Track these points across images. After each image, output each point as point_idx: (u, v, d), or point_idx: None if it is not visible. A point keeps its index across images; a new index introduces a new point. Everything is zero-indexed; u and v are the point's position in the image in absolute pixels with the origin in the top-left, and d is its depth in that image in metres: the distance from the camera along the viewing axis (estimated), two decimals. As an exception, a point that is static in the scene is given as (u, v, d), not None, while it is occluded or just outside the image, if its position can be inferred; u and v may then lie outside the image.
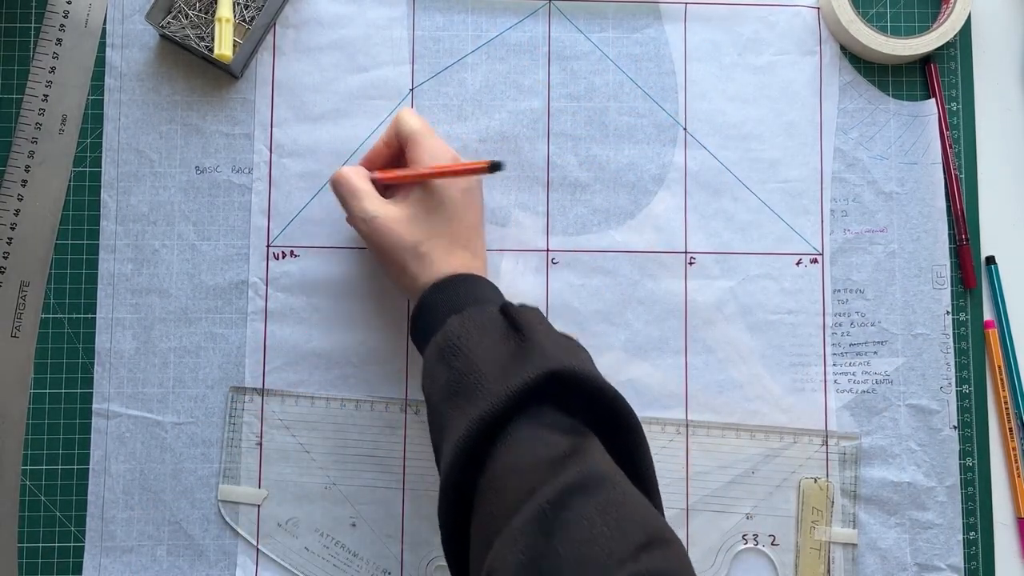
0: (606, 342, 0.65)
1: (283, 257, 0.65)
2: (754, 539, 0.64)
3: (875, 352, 0.66)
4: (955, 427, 0.65)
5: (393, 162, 0.61)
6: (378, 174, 0.59)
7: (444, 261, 0.56)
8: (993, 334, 0.66)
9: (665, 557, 0.40)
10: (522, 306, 0.53)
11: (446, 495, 0.47)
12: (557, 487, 0.42)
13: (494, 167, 0.55)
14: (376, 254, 0.59)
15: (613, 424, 0.49)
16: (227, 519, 0.63)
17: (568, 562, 0.40)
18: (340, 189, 0.58)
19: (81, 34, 0.65)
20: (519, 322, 0.51)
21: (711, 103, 0.67)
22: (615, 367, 0.65)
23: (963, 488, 0.65)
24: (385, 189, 0.59)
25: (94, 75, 0.65)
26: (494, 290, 0.56)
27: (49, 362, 0.64)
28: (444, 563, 0.63)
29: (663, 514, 0.48)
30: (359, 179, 0.58)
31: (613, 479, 0.44)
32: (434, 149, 0.58)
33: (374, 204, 0.57)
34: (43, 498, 0.63)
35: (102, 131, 0.65)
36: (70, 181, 0.65)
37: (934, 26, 0.67)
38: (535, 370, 0.47)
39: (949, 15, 0.66)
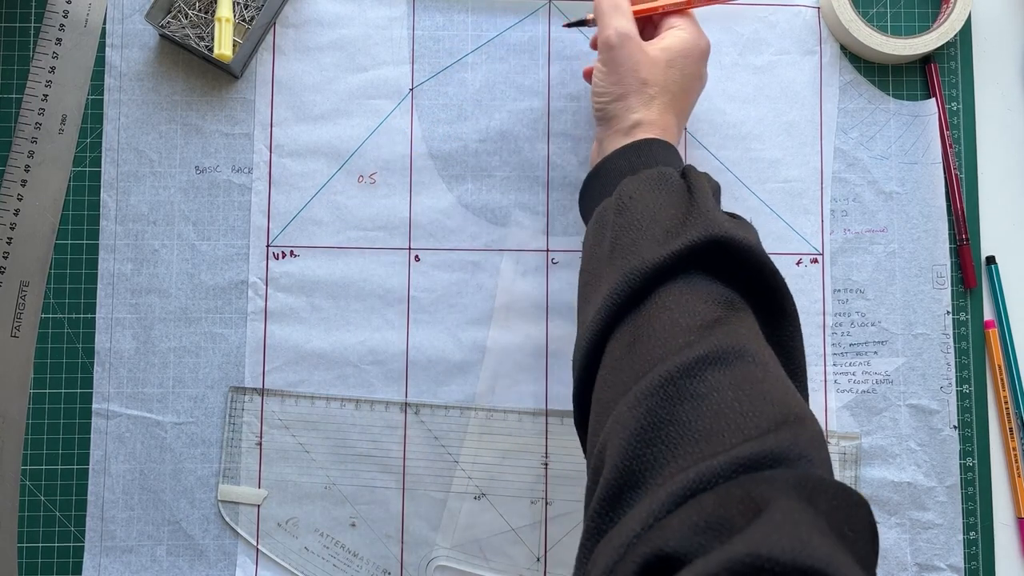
0: (606, 342, 0.65)
1: (283, 257, 0.65)
2: (754, 539, 0.64)
3: (875, 352, 0.66)
4: (955, 427, 0.65)
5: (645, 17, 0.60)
6: (644, 4, 0.58)
7: (660, 112, 0.54)
8: (993, 334, 0.66)
9: (794, 437, 0.36)
10: (706, 175, 0.51)
11: (586, 348, 0.45)
12: (691, 355, 0.40)
13: None
14: (606, 73, 0.56)
15: (773, 305, 0.46)
16: (227, 519, 0.63)
17: (690, 432, 0.37)
18: (605, 1, 0.56)
19: (81, 34, 0.65)
20: (694, 186, 0.48)
21: (711, 103, 0.67)
22: (615, 367, 0.65)
23: (963, 488, 0.65)
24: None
25: (94, 75, 0.65)
26: (679, 158, 0.54)
27: (49, 362, 0.64)
28: (444, 563, 0.63)
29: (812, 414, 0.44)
30: None
31: (756, 355, 0.41)
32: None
33: (631, 26, 0.55)
34: (43, 498, 0.63)
35: (102, 131, 0.65)
36: (70, 181, 0.65)
37: (934, 26, 0.67)
38: (698, 233, 0.44)
39: (949, 15, 0.66)
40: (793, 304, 0.46)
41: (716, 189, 0.51)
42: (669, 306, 0.43)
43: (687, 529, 0.32)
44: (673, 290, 0.44)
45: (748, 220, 0.50)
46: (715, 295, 0.44)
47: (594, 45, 0.62)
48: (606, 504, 0.38)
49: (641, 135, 0.54)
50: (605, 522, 0.37)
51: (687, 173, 0.50)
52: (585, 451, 0.46)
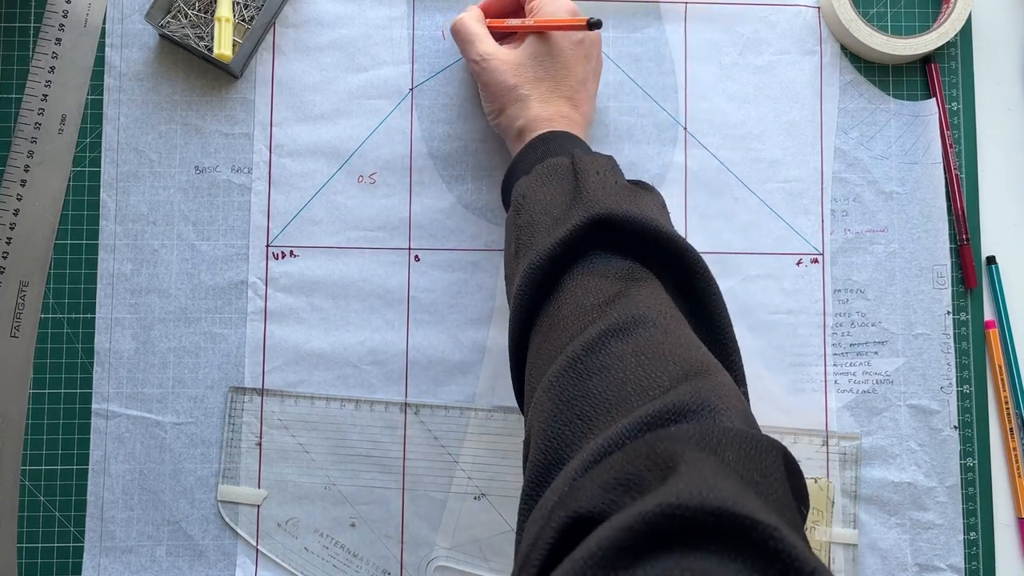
0: (606, 342, 0.65)
1: (283, 257, 0.65)
2: (754, 539, 0.64)
3: (875, 352, 0.65)
4: (955, 427, 0.65)
5: (512, 10, 0.63)
6: (489, 22, 0.61)
7: (541, 107, 0.56)
8: (994, 334, 0.66)
9: (696, 390, 0.37)
10: (595, 155, 0.52)
11: (511, 349, 0.48)
12: (594, 331, 0.41)
13: (593, 24, 0.56)
14: (484, 95, 0.60)
15: (677, 268, 0.47)
16: (227, 519, 0.63)
17: (599, 404, 0.38)
18: (458, 35, 0.60)
19: (80, 34, 0.65)
20: (579, 169, 0.49)
21: (711, 103, 0.67)
22: (615, 367, 0.64)
23: (963, 488, 0.65)
24: (501, 38, 0.61)
25: (93, 75, 0.65)
26: (577, 143, 0.55)
27: (48, 362, 0.64)
28: (444, 563, 0.63)
29: (739, 365, 0.46)
30: (475, 24, 0.60)
31: (655, 319, 0.42)
32: (555, 1, 0.58)
33: (488, 47, 0.59)
34: (43, 498, 0.63)
35: (101, 131, 0.65)
36: (69, 181, 0.65)
37: (934, 26, 0.67)
38: (581, 216, 0.46)
39: (949, 15, 0.66)
40: (700, 262, 0.47)
41: (610, 165, 0.52)
42: (573, 290, 0.45)
43: (598, 488, 0.32)
44: (575, 274, 0.46)
45: (649, 186, 0.52)
46: (614, 270, 0.46)
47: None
48: (533, 486, 0.39)
49: (529, 135, 0.56)
50: (532, 503, 0.38)
51: (574, 157, 0.51)
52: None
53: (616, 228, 0.46)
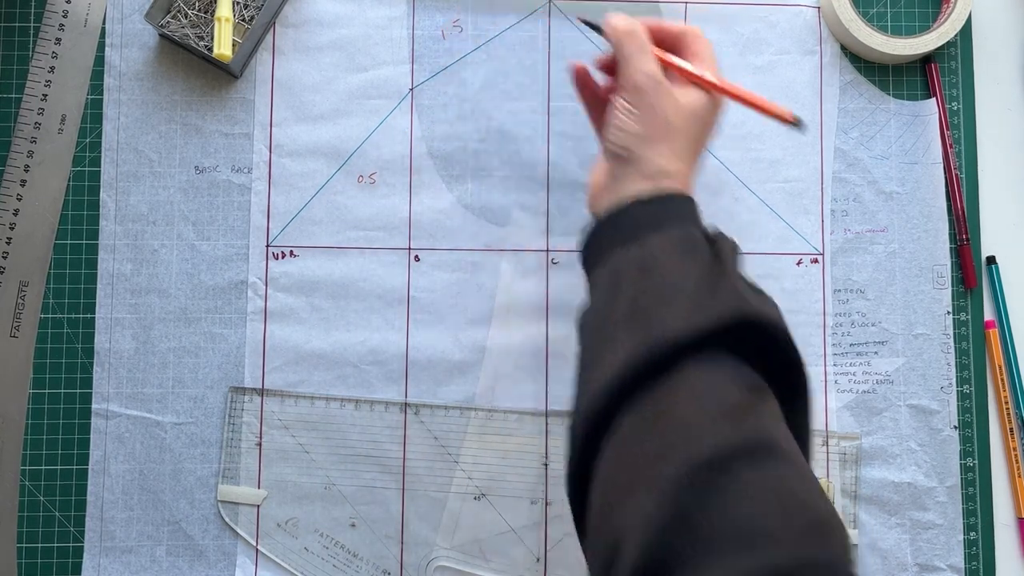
0: (606, 342, 0.65)
1: (283, 257, 0.65)
2: (754, 539, 0.64)
3: (875, 352, 0.65)
4: (955, 427, 0.65)
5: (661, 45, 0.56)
6: (666, 54, 0.54)
7: (683, 164, 0.51)
8: (994, 334, 0.66)
9: (826, 543, 0.36)
10: (719, 234, 0.49)
11: (595, 414, 0.42)
12: (723, 446, 0.38)
13: (796, 123, 0.53)
14: (638, 118, 0.52)
15: (789, 385, 0.44)
16: (227, 519, 0.63)
17: (721, 530, 0.36)
18: (632, 40, 0.52)
19: (80, 34, 0.65)
20: (722, 255, 0.46)
21: (711, 103, 0.67)
22: (615, 367, 0.64)
23: (964, 488, 0.65)
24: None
25: (93, 75, 0.65)
26: (700, 216, 0.51)
27: (49, 362, 0.64)
28: (444, 563, 0.63)
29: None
30: (648, 39, 0.53)
31: (787, 451, 0.40)
32: (710, 55, 0.54)
33: (659, 69, 0.52)
34: (43, 498, 0.63)
35: (101, 131, 0.65)
36: (69, 181, 0.65)
37: (934, 26, 0.67)
38: (728, 311, 0.42)
39: (949, 15, 0.66)
40: (808, 383, 0.45)
41: (735, 250, 0.49)
42: (695, 385, 0.41)
43: None
44: (700, 369, 0.42)
45: (765, 293, 0.48)
46: (742, 378, 0.42)
47: (604, 68, 0.58)
48: None
49: (667, 185, 0.50)
50: None
51: (713, 239, 0.48)
52: (581, 527, 0.44)
53: (755, 332, 0.43)
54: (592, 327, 0.48)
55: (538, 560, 0.63)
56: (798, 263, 0.66)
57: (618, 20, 0.53)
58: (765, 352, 0.43)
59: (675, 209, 0.49)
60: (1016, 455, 0.66)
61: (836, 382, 0.65)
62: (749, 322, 0.42)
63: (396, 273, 0.65)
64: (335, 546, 0.63)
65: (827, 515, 0.38)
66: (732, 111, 0.67)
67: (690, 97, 0.52)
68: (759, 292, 0.47)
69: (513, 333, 0.65)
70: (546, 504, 0.64)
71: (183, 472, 0.63)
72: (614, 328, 0.45)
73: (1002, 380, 0.66)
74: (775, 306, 0.46)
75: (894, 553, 0.64)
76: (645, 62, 0.52)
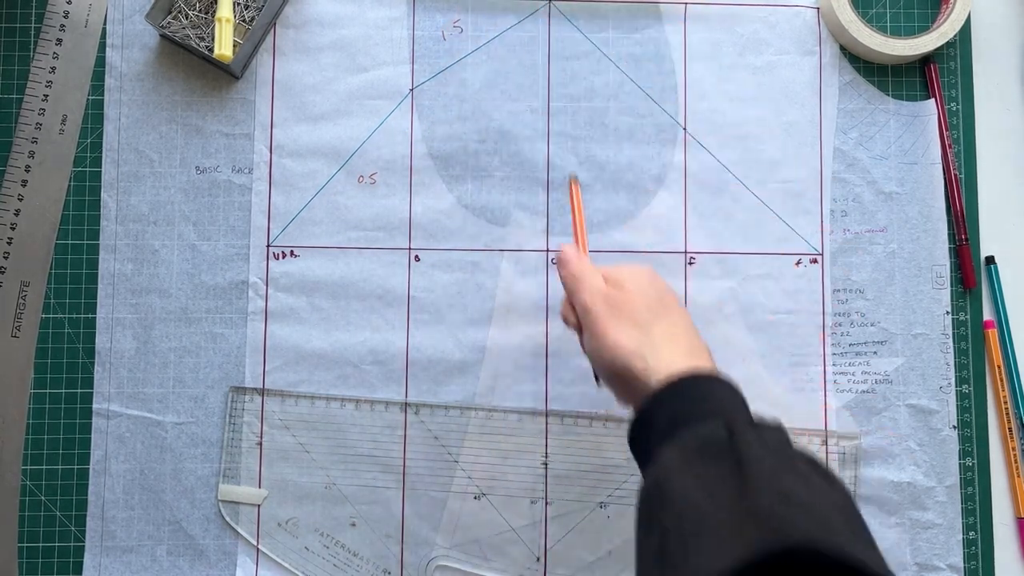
0: (606, 342, 0.65)
1: (283, 257, 0.65)
2: (754, 539, 0.64)
3: (875, 352, 0.66)
4: (955, 427, 0.65)
5: None
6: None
7: (650, 343, 0.48)
8: (993, 334, 0.66)
9: None
10: (755, 424, 0.42)
11: None
12: None
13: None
14: (589, 334, 0.52)
15: None
16: (227, 519, 0.63)
17: None
18: (568, 280, 0.54)
19: (81, 34, 0.65)
20: (744, 456, 0.39)
21: (711, 103, 0.67)
22: (615, 367, 0.65)
23: (963, 488, 0.65)
24: None
25: (94, 75, 0.65)
26: (726, 390, 0.46)
27: (49, 362, 0.64)
28: (444, 563, 0.63)
29: None
30: (581, 258, 0.54)
31: None
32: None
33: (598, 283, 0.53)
34: (43, 498, 0.63)
35: (102, 131, 0.65)
36: (70, 181, 0.65)
37: (934, 26, 0.67)
38: (756, 545, 0.35)
39: (949, 15, 0.66)
40: None
41: (778, 434, 0.42)
42: None
43: None
44: None
45: (837, 478, 0.41)
46: None
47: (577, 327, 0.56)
48: None
49: (658, 377, 0.46)
50: None
51: (735, 434, 0.41)
52: None
53: (804, 563, 0.35)
54: (638, 552, 0.42)
55: (538, 560, 0.63)
56: (797, 263, 0.66)
57: (563, 259, 0.54)
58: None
59: (685, 402, 0.44)
60: (1015, 455, 0.66)
61: (835, 382, 0.65)
62: (788, 553, 0.35)
63: (396, 273, 0.65)
64: (335, 545, 0.63)
65: None
66: (731, 112, 0.67)
67: (617, 275, 0.52)
68: (822, 483, 0.39)
69: (513, 333, 0.65)
70: (546, 504, 0.64)
71: (184, 472, 0.63)
72: (651, 567, 0.40)
73: (1001, 380, 0.66)
74: (840, 516, 0.38)
75: (893, 553, 0.64)
76: (582, 290, 0.52)
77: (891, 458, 0.65)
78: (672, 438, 0.42)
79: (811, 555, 0.35)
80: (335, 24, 0.66)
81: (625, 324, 0.49)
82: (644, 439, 0.46)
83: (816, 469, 0.40)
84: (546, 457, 0.64)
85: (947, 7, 0.66)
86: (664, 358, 0.47)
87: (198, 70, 0.66)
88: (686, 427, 0.42)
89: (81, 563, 0.63)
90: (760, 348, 0.65)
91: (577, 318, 0.53)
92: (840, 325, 0.66)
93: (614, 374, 0.49)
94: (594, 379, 0.56)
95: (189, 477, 0.63)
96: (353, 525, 0.63)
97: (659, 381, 0.46)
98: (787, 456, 0.40)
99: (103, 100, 0.65)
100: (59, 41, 0.65)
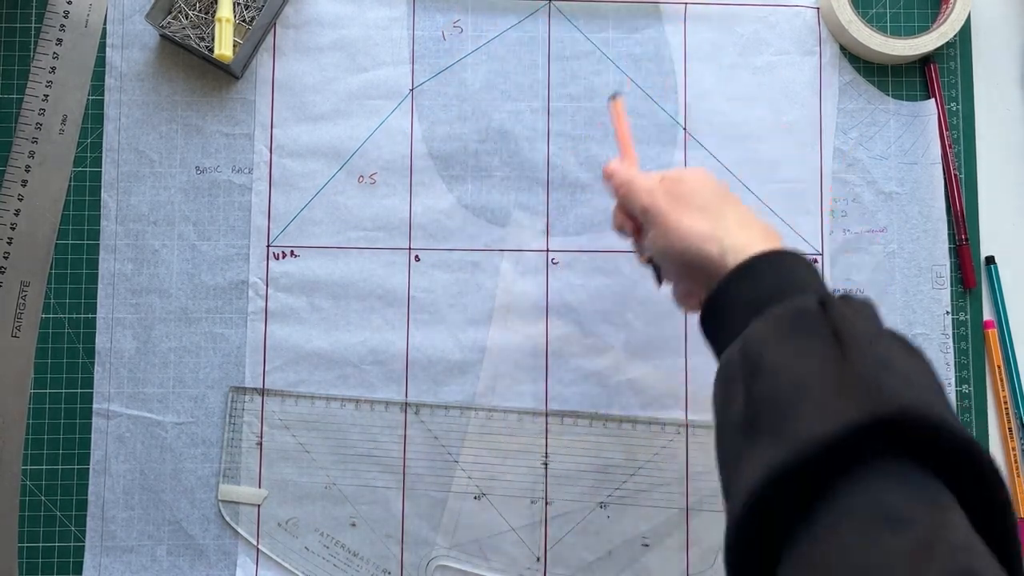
0: (606, 342, 0.65)
1: (283, 257, 0.65)
2: (754, 539, 0.64)
3: (875, 352, 0.66)
4: (955, 427, 0.65)
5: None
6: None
7: (733, 228, 0.47)
8: (993, 334, 0.66)
9: None
10: (844, 298, 0.42)
11: (731, 553, 0.37)
12: None
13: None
14: (654, 233, 0.51)
15: (976, 489, 0.35)
16: (227, 519, 0.63)
17: None
18: (619, 186, 0.54)
19: (81, 34, 0.65)
20: (841, 330, 0.38)
21: (711, 103, 0.67)
22: (615, 367, 0.65)
23: (963, 488, 0.65)
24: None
25: (94, 75, 0.65)
26: (808, 269, 0.44)
27: (49, 362, 0.64)
28: (444, 563, 0.63)
29: None
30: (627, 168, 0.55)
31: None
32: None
33: (647, 188, 0.52)
34: (43, 498, 0.63)
35: (102, 131, 0.65)
36: (70, 181, 0.65)
37: (934, 26, 0.67)
38: (862, 411, 0.34)
39: (949, 15, 0.66)
40: (1006, 487, 0.36)
41: (861, 312, 0.41)
42: (859, 513, 0.33)
43: None
44: (858, 487, 0.34)
45: (920, 352, 0.40)
46: (915, 491, 0.34)
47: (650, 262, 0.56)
48: None
49: (744, 252, 0.45)
50: None
51: (828, 306, 0.40)
52: None
53: (908, 430, 0.35)
54: (721, 440, 0.42)
55: (538, 559, 0.63)
56: (798, 263, 0.66)
57: (608, 172, 0.55)
58: (938, 448, 0.35)
59: (770, 277, 0.44)
60: (1015, 455, 0.66)
61: (835, 382, 0.65)
62: (892, 420, 0.35)
63: (396, 273, 0.65)
64: (335, 545, 0.63)
65: None
66: (731, 112, 0.67)
67: (675, 174, 0.52)
68: (911, 359, 0.39)
69: (513, 333, 0.65)
70: (546, 503, 0.64)
71: (184, 472, 0.63)
72: (735, 441, 0.39)
73: (1001, 380, 0.66)
74: (927, 381, 0.39)
75: (893, 553, 0.64)
76: (633, 200, 0.52)
77: (891, 458, 0.65)
78: (761, 312, 0.42)
79: (914, 420, 0.35)
80: (335, 24, 0.66)
81: (694, 212, 0.49)
82: (722, 316, 0.45)
83: (904, 342, 0.40)
84: (546, 457, 0.64)
85: (947, 7, 0.66)
86: (741, 240, 0.46)
87: (198, 70, 0.66)
88: (775, 301, 0.42)
89: (81, 563, 0.63)
90: (760, 348, 0.65)
91: (634, 223, 0.53)
92: (840, 325, 0.66)
93: (685, 264, 0.48)
94: (655, 280, 0.55)
95: (189, 477, 0.63)
96: (353, 525, 0.63)
97: (737, 261, 0.45)
98: (880, 328, 0.41)
99: (103, 100, 0.65)
100: (59, 41, 0.65)
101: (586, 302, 0.65)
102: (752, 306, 0.43)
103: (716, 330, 0.46)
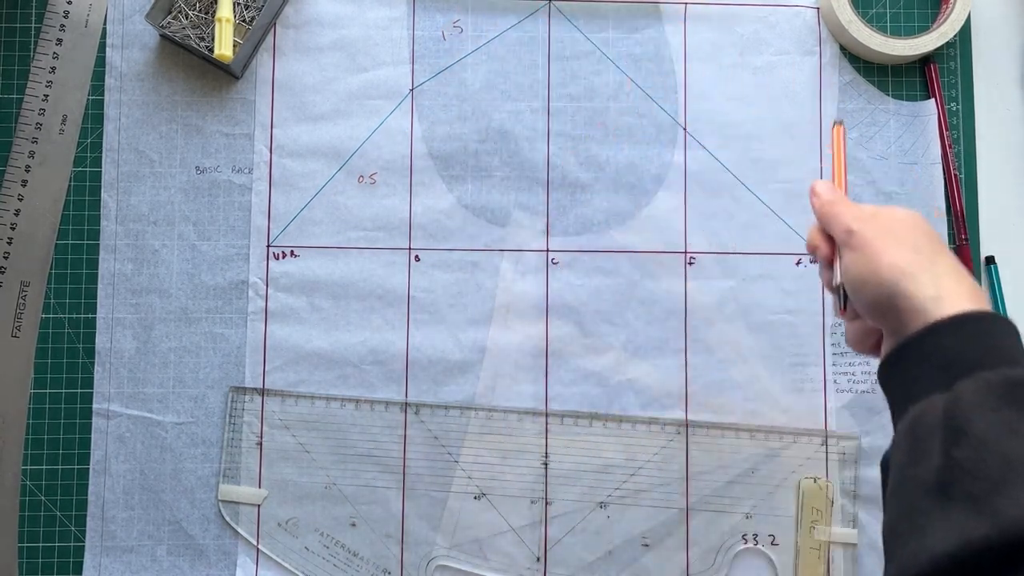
0: (606, 342, 0.65)
1: (283, 257, 0.65)
2: (754, 539, 0.64)
3: (875, 352, 0.66)
4: (955, 427, 0.65)
5: None
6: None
7: (944, 278, 0.44)
8: (993, 334, 0.66)
9: None
10: None
11: None
12: None
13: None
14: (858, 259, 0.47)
15: None
16: (227, 519, 0.63)
17: None
18: (822, 208, 0.50)
19: (81, 34, 0.65)
20: None
21: (711, 103, 0.67)
22: (615, 367, 0.65)
23: (963, 488, 0.65)
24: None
25: (94, 75, 0.65)
26: (1018, 339, 0.42)
27: (49, 362, 0.64)
28: (444, 563, 0.63)
29: None
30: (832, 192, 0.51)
31: None
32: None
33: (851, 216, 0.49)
34: (43, 498, 0.63)
35: (102, 131, 0.65)
36: (70, 181, 0.65)
37: (934, 26, 0.67)
38: None
39: (949, 15, 0.66)
40: None
41: None
42: None
43: None
44: None
45: None
46: None
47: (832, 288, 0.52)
48: None
49: (949, 307, 0.41)
50: None
51: None
52: None
53: None
54: (895, 483, 0.41)
55: (538, 559, 0.63)
56: (798, 263, 0.66)
57: (815, 189, 0.51)
58: None
59: (981, 339, 0.40)
60: (1015, 455, 0.66)
61: (835, 382, 0.65)
62: None
63: (396, 273, 0.65)
64: (335, 545, 0.63)
65: None
66: (731, 112, 0.67)
67: (891, 214, 0.48)
68: None
69: (513, 333, 0.65)
70: (546, 504, 0.64)
71: (184, 472, 0.63)
72: (919, 500, 0.38)
73: (1001, 380, 0.66)
74: None
75: (893, 553, 0.64)
76: (838, 220, 0.48)
77: (891, 458, 0.65)
78: (968, 374, 0.39)
79: None
80: (335, 24, 0.66)
81: (905, 248, 0.45)
82: (913, 365, 0.42)
83: None
84: (546, 457, 0.64)
85: (947, 7, 0.66)
86: (950, 290, 0.42)
87: (198, 70, 0.66)
88: (985, 366, 0.39)
89: (81, 563, 0.63)
90: (760, 348, 0.65)
91: (829, 246, 0.50)
92: (840, 325, 0.66)
93: (879, 298, 0.45)
94: (840, 306, 0.51)
95: (189, 477, 0.63)
96: (353, 525, 0.63)
97: (945, 313, 0.41)
98: None
99: (103, 100, 0.65)
100: (59, 41, 0.65)
101: (586, 302, 0.65)
102: (955, 365, 0.40)
103: (900, 377, 0.43)
